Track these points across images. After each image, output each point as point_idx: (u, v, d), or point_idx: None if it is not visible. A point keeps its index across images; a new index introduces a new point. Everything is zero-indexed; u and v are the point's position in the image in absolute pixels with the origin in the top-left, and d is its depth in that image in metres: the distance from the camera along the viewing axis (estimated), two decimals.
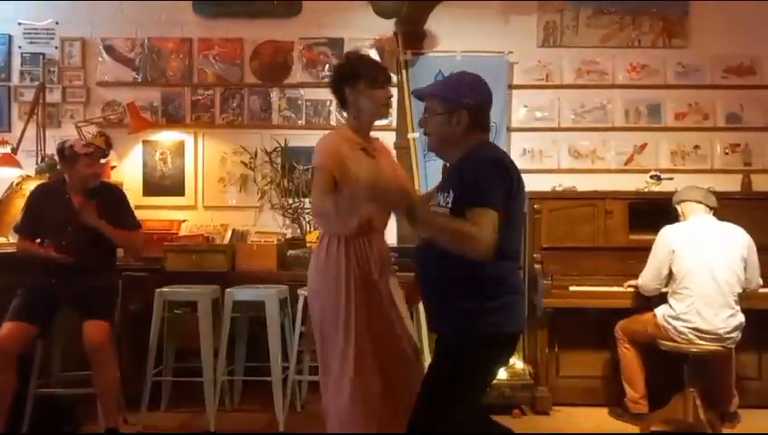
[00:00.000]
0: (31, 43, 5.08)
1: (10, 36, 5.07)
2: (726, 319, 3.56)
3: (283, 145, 4.94)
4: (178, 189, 5.04)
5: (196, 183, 5.05)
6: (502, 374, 3.87)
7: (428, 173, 4.69)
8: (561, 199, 4.40)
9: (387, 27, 4.89)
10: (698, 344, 3.57)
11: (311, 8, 5.04)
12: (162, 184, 5.04)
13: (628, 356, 3.88)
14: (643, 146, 5.00)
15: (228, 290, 3.84)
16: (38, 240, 3.50)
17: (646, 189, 4.48)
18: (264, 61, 5.07)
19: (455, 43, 4.88)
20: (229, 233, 4.72)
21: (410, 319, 2.82)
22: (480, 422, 2.39)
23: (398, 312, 2.70)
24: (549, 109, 5.02)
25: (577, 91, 5.02)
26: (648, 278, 3.79)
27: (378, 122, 2.90)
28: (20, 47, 5.08)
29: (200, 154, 5.06)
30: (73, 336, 3.49)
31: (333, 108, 4.95)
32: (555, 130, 5.01)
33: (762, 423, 3.84)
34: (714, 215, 3.77)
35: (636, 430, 3.77)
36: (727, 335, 3.57)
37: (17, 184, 4.52)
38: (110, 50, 5.07)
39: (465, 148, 2.32)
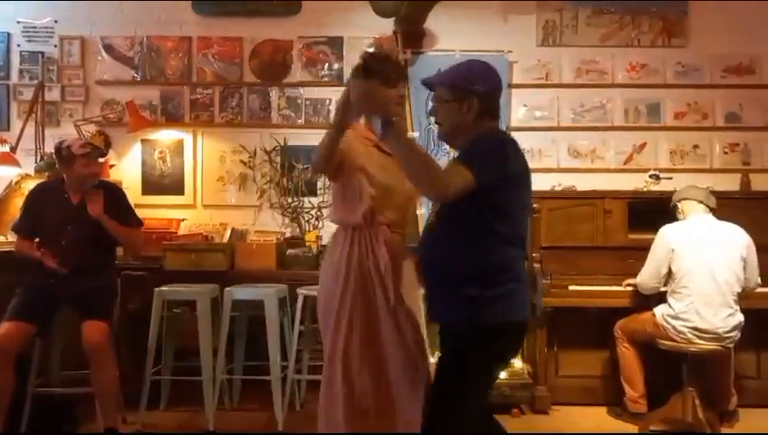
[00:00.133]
0: (30, 41, 5.07)
1: (9, 35, 5.06)
2: (725, 318, 3.57)
3: (282, 144, 4.94)
4: (178, 188, 5.03)
5: (195, 182, 5.05)
6: (501, 374, 3.86)
7: None
8: (560, 199, 4.40)
9: (386, 26, 4.88)
10: (697, 344, 3.58)
11: (310, 7, 5.04)
12: (161, 183, 5.03)
13: (628, 355, 3.88)
14: (642, 145, 5.00)
15: (227, 289, 3.84)
16: (37, 240, 3.50)
17: (645, 189, 4.49)
18: (263, 60, 5.06)
19: (454, 42, 4.87)
20: (228, 232, 4.72)
21: (422, 316, 2.78)
22: (484, 421, 2.36)
23: (405, 308, 2.65)
24: (548, 108, 5.02)
25: (576, 90, 5.02)
26: (646, 277, 3.79)
27: None
28: (19, 45, 5.07)
29: (199, 153, 5.06)
30: (72, 336, 3.49)
31: (333, 107, 4.94)
32: (554, 129, 5.01)
33: (760, 422, 3.85)
34: (713, 215, 3.77)
35: (635, 429, 3.77)
36: (726, 335, 3.57)
37: (16, 183, 4.51)
38: (109, 48, 5.06)
39: (476, 135, 2.27)
